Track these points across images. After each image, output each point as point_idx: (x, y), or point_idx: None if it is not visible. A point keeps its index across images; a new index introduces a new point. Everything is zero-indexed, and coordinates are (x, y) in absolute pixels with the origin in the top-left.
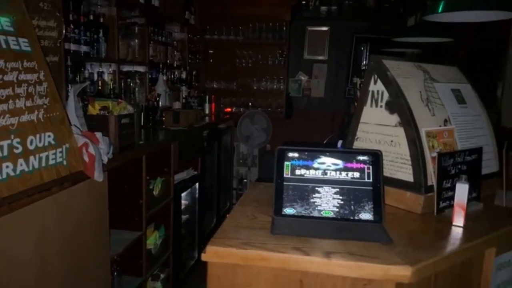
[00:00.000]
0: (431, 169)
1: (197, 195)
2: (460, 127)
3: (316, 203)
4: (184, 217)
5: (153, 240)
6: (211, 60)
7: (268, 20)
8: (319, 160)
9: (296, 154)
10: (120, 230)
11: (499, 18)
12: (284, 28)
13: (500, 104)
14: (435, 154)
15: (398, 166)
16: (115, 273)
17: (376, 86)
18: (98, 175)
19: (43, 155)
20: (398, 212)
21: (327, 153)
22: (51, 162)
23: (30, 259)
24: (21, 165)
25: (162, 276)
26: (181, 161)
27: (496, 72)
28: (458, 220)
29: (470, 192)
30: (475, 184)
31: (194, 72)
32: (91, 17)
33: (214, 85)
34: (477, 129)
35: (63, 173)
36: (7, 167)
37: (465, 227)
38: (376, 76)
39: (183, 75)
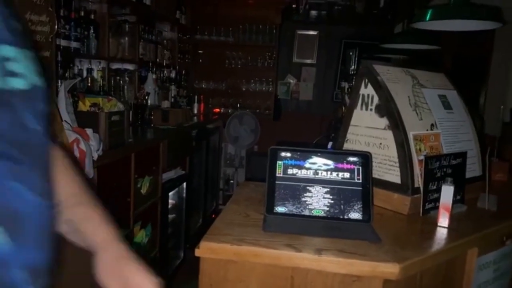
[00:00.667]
0: (418, 171)
1: (184, 195)
2: (446, 132)
3: (307, 202)
4: (171, 216)
5: (140, 238)
6: (200, 60)
7: (258, 22)
8: (310, 160)
9: (288, 154)
10: None
11: (484, 28)
12: (274, 31)
13: (482, 112)
14: (422, 157)
15: (386, 168)
16: None
17: (367, 90)
18: (88, 172)
19: None
20: (385, 213)
21: (319, 154)
22: None
23: None
24: None
25: None
26: (170, 160)
27: (479, 81)
28: (443, 221)
29: (454, 195)
30: (459, 187)
31: (183, 72)
32: (82, 13)
33: (203, 85)
34: (462, 134)
35: None
36: None
37: (449, 228)
38: (366, 80)
39: (173, 74)
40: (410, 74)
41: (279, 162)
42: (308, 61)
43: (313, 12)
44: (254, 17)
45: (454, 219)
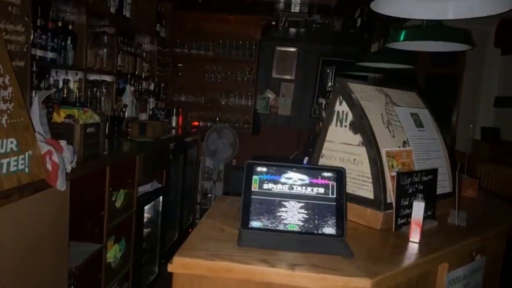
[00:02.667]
0: (390, 187)
1: (160, 208)
2: (417, 149)
3: (282, 217)
4: (146, 230)
5: (113, 253)
6: (180, 73)
7: (238, 37)
8: (286, 175)
9: (264, 169)
10: (80, 242)
11: (455, 50)
12: (254, 47)
13: (454, 129)
14: (394, 173)
15: (360, 183)
16: (72, 287)
17: (341, 107)
18: (61, 184)
19: (4, 161)
20: (359, 228)
21: (294, 169)
22: (12, 169)
23: None
24: None
25: None
26: (146, 173)
27: (451, 99)
28: (415, 236)
29: (425, 211)
30: (430, 203)
31: (162, 84)
32: (60, 24)
33: (182, 98)
34: (433, 151)
35: (24, 181)
36: None
37: (420, 243)
38: (341, 98)
39: (151, 87)
40: (384, 93)
41: (255, 177)
42: (287, 77)
43: (292, 30)
44: (235, 33)
45: (425, 234)
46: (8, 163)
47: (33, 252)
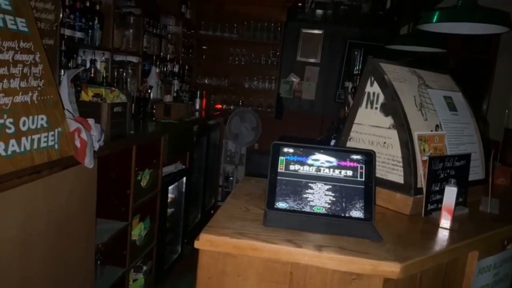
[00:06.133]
0: (421, 172)
1: (183, 190)
2: (450, 134)
3: (308, 199)
4: (169, 210)
5: (138, 231)
6: (204, 56)
7: (263, 19)
8: (313, 157)
9: (291, 150)
10: (106, 219)
11: (491, 32)
12: (279, 29)
13: (485, 117)
14: (425, 158)
15: (390, 167)
16: (99, 262)
17: (372, 88)
18: (89, 162)
19: (35, 137)
20: (387, 212)
21: (322, 151)
22: (42, 145)
23: (15, 241)
24: (12, 145)
25: (144, 268)
26: (170, 154)
27: (483, 86)
28: (445, 222)
29: (457, 197)
30: (462, 189)
31: (186, 67)
32: (88, 4)
33: (206, 81)
34: (466, 136)
35: (54, 157)
36: None
37: (451, 230)
38: (372, 78)
39: (176, 69)
40: (417, 74)
41: (282, 158)
42: (312, 60)
43: (319, 11)
44: (260, 15)
45: (456, 221)
46: (39, 139)
47: (63, 226)
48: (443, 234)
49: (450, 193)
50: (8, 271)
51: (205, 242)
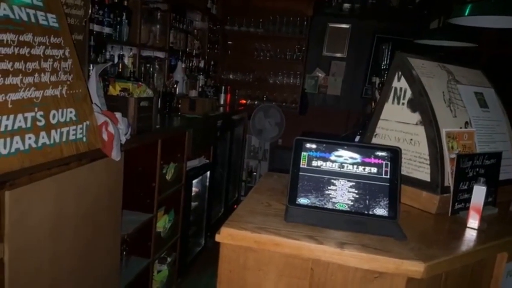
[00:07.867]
0: (448, 170)
1: (207, 184)
2: (480, 131)
3: (331, 195)
4: (193, 204)
5: (162, 223)
6: (229, 51)
7: (289, 14)
8: (336, 153)
9: (313, 146)
10: (132, 211)
11: None
12: (305, 23)
13: None
14: (454, 156)
15: (416, 165)
16: (124, 253)
17: (400, 83)
18: (116, 155)
19: (64, 130)
20: (412, 211)
21: (345, 147)
22: (71, 137)
23: (46, 231)
24: (43, 137)
25: (169, 259)
26: (195, 149)
27: None
28: (473, 222)
29: (486, 196)
30: (492, 188)
31: (212, 62)
32: (116, 0)
33: (231, 76)
34: (497, 134)
35: (82, 150)
36: (29, 138)
37: (479, 230)
38: (400, 73)
39: (201, 64)
40: (446, 69)
41: (304, 153)
42: (338, 55)
43: (346, 5)
44: (286, 9)
45: (484, 221)
46: (68, 132)
47: (90, 217)
48: (470, 234)
49: (479, 192)
50: (40, 259)
51: (226, 235)
